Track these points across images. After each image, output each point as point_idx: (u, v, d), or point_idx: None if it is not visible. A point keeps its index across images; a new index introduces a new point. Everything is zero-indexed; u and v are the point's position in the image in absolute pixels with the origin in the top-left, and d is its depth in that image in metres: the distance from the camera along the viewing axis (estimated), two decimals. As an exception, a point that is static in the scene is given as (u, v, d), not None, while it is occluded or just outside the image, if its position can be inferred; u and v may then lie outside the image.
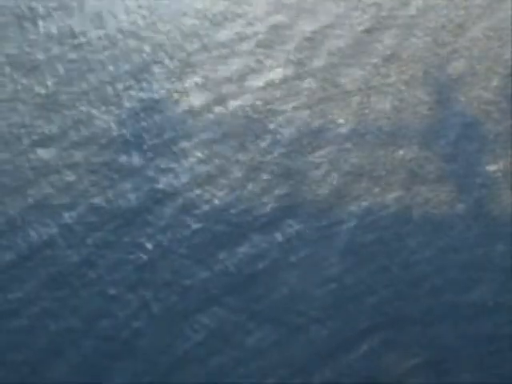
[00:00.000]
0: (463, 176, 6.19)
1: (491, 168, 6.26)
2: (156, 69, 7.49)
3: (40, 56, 7.65)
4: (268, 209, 6.00)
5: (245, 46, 7.79)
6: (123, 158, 6.50)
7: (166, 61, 7.58)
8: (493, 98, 6.88)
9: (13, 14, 8.24)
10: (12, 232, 5.90)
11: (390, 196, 6.03)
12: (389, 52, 7.44)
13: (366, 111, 6.81)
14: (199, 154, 6.52)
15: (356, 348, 5.05)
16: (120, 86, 7.27)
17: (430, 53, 7.41)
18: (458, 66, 7.25)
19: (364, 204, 5.97)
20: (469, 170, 6.25)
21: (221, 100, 7.07)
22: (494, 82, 7.05)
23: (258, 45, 7.80)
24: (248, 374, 4.95)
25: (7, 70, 7.50)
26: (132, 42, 7.85)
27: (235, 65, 7.55)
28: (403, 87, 7.05)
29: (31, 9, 8.29)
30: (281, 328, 5.19)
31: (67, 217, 6.02)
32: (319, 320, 5.21)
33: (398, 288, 5.37)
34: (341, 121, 6.73)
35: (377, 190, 6.08)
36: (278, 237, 5.80)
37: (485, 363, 4.94)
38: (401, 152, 6.39)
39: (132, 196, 6.17)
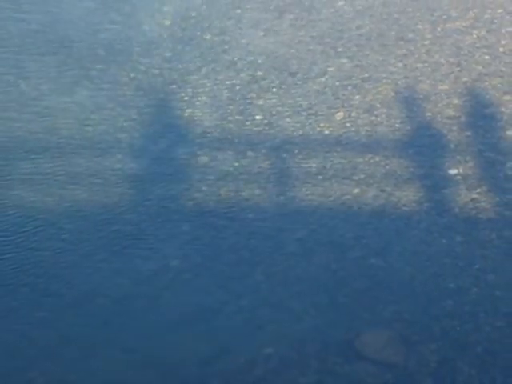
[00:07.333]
0: (429, 179, 6.62)
1: (452, 172, 6.69)
2: (154, 77, 7.66)
3: (37, 63, 7.76)
4: (267, 213, 6.26)
5: (243, 54, 8.09)
6: (121, 165, 6.61)
7: (165, 69, 7.76)
8: (454, 114, 7.34)
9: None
10: (9, 241, 5.94)
11: (368, 195, 6.48)
12: (366, 74, 7.89)
13: (348, 124, 7.26)
14: (197, 161, 6.70)
15: (351, 345, 5.28)
16: (118, 93, 7.43)
17: (401, 76, 7.89)
18: (424, 87, 7.72)
19: (347, 203, 6.38)
20: (433, 173, 6.68)
21: (219, 108, 7.31)
22: (455, 101, 7.51)
23: (257, 53, 8.05)
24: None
25: (4, 76, 7.60)
26: (130, 50, 7.99)
27: (234, 73, 7.81)
28: (378, 105, 7.52)
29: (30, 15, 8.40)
30: (280, 338, 5.33)
31: (66, 226, 6.06)
32: (318, 320, 5.43)
33: (376, 278, 5.73)
34: (327, 132, 7.16)
35: (357, 190, 6.54)
36: (278, 240, 6.02)
37: (451, 335, 5.32)
38: (377, 159, 6.86)
39: (130, 204, 6.24)
